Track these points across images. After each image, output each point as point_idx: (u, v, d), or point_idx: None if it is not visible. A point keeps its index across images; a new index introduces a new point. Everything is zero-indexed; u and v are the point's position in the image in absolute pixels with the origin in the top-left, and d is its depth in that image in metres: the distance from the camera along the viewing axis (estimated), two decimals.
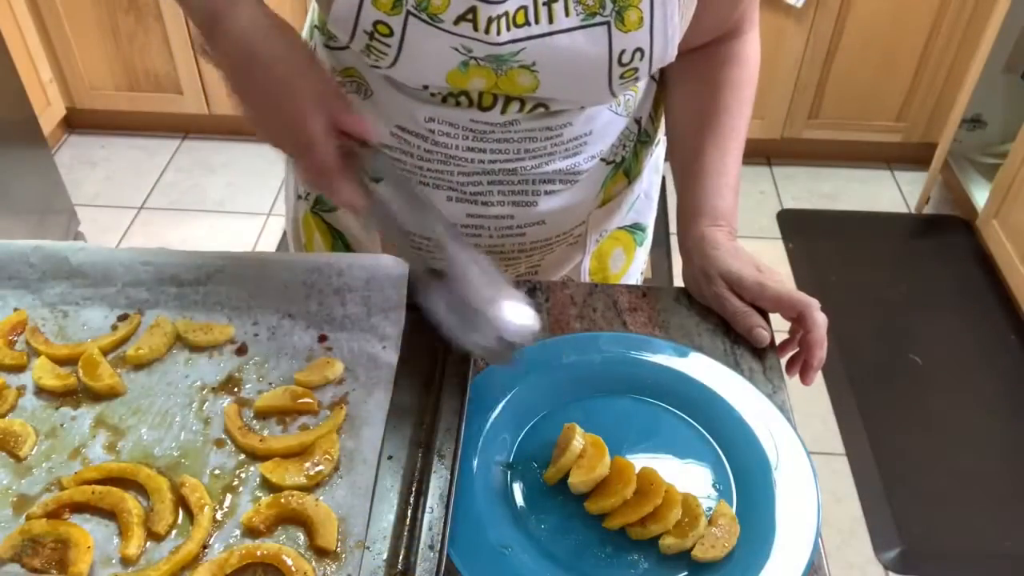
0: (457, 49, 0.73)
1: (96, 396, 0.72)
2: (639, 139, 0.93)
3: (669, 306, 0.85)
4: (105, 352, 0.75)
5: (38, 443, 0.68)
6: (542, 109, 0.81)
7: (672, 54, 0.78)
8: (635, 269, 1.08)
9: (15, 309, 0.78)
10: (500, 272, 0.71)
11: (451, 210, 0.88)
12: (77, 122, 2.94)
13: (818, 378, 2.20)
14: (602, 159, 0.89)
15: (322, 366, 0.73)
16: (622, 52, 0.75)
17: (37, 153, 2.30)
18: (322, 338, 0.76)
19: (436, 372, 0.74)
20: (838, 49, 2.57)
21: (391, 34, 0.73)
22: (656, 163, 1.02)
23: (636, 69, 0.77)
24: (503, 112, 0.80)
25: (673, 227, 2.59)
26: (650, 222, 1.07)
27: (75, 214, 2.46)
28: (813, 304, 0.79)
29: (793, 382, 0.82)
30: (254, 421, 0.70)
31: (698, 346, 0.80)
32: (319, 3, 0.77)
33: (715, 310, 0.83)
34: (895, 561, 1.80)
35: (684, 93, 0.92)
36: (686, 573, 0.63)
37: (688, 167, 0.89)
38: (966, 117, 2.54)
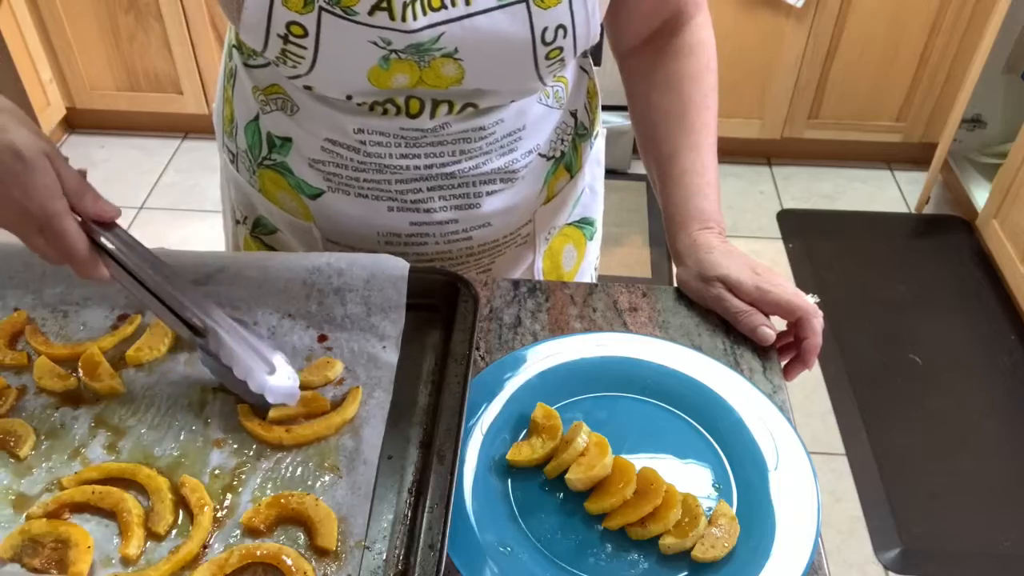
0: (375, 43, 0.71)
1: (96, 396, 0.72)
2: (576, 132, 0.93)
3: (669, 306, 0.85)
4: (105, 352, 0.75)
5: (38, 443, 0.68)
6: (471, 108, 0.79)
7: (596, 31, 0.77)
8: (588, 265, 1.08)
9: (15, 309, 0.78)
10: (261, 338, 0.72)
11: (393, 221, 0.86)
12: (77, 122, 2.94)
13: (818, 378, 2.21)
14: (540, 154, 0.88)
15: (322, 366, 0.73)
16: (544, 30, 0.73)
17: None
18: (322, 338, 0.76)
19: (436, 372, 0.74)
20: (838, 49, 2.57)
21: (305, 34, 0.71)
22: (597, 156, 1.02)
23: (561, 49, 0.75)
24: (432, 116, 0.79)
25: None
26: (598, 215, 1.07)
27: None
28: (813, 311, 0.79)
29: (794, 382, 0.82)
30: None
31: (698, 346, 0.80)
32: (229, 17, 0.75)
33: (716, 311, 0.83)
34: (895, 561, 1.80)
35: (645, 95, 0.91)
36: (686, 573, 0.63)
37: (665, 171, 0.89)
38: (966, 117, 2.54)
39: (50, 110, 2.72)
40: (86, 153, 2.88)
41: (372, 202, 0.85)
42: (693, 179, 0.87)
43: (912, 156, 2.85)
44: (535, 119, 0.85)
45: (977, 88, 2.41)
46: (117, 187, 2.75)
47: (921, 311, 2.39)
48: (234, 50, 0.87)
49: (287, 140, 0.84)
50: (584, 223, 1.04)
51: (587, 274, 1.08)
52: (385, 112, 0.79)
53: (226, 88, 0.91)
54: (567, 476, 0.67)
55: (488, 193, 0.86)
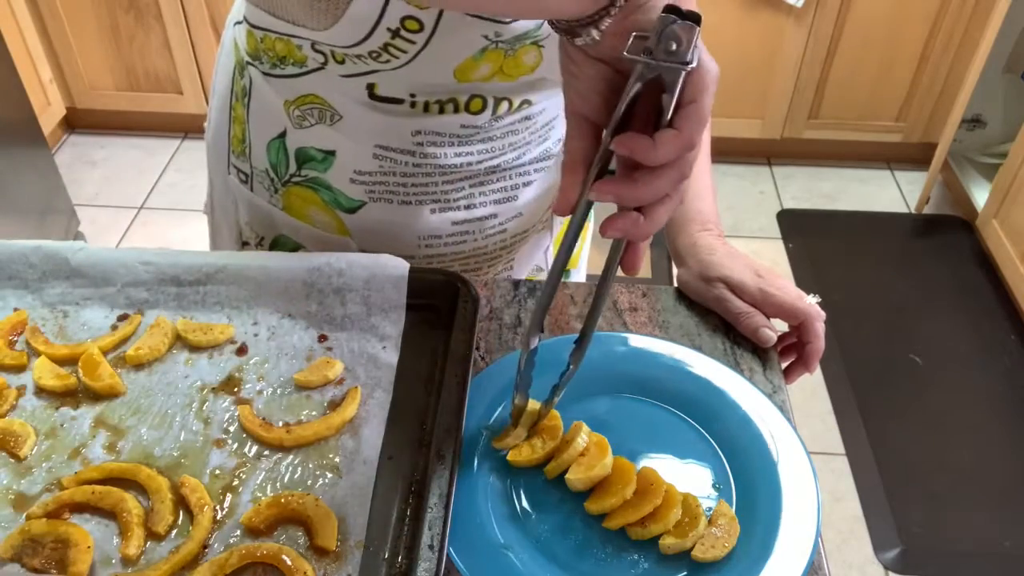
0: (487, 36, 0.70)
1: (96, 396, 0.72)
2: None
3: (669, 306, 0.85)
4: (105, 352, 0.75)
5: (38, 443, 0.68)
6: (527, 104, 0.80)
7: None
8: (586, 245, 1.09)
9: (15, 309, 0.78)
10: None
11: (435, 222, 0.86)
12: (77, 122, 2.94)
13: (818, 378, 2.21)
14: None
15: (322, 366, 0.73)
16: None
17: (37, 153, 2.30)
18: (322, 338, 0.76)
19: (436, 372, 0.74)
20: (838, 49, 2.57)
21: (420, 29, 0.69)
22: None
23: None
24: (493, 113, 0.79)
25: None
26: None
27: (75, 214, 2.46)
28: (816, 315, 0.79)
29: (794, 382, 0.82)
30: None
31: (698, 346, 0.80)
32: (318, 12, 0.70)
33: (717, 312, 0.83)
34: (895, 561, 1.80)
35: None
36: (686, 573, 0.63)
37: None
38: (966, 117, 2.54)
39: (50, 110, 2.72)
40: (86, 153, 2.88)
41: (415, 207, 0.85)
42: (690, 182, 0.87)
43: (912, 156, 2.85)
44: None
45: (977, 88, 2.41)
46: (117, 187, 2.75)
47: (921, 311, 2.39)
48: (249, 66, 0.84)
49: (330, 153, 0.83)
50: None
51: (585, 256, 1.09)
52: (442, 111, 0.78)
53: (234, 107, 0.88)
54: (567, 476, 0.67)
55: (524, 184, 0.87)
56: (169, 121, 2.89)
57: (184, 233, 2.56)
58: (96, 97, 2.80)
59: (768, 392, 0.76)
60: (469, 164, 0.83)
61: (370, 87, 0.77)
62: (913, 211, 2.73)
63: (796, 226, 2.65)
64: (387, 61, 0.72)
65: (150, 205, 2.69)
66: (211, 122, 0.93)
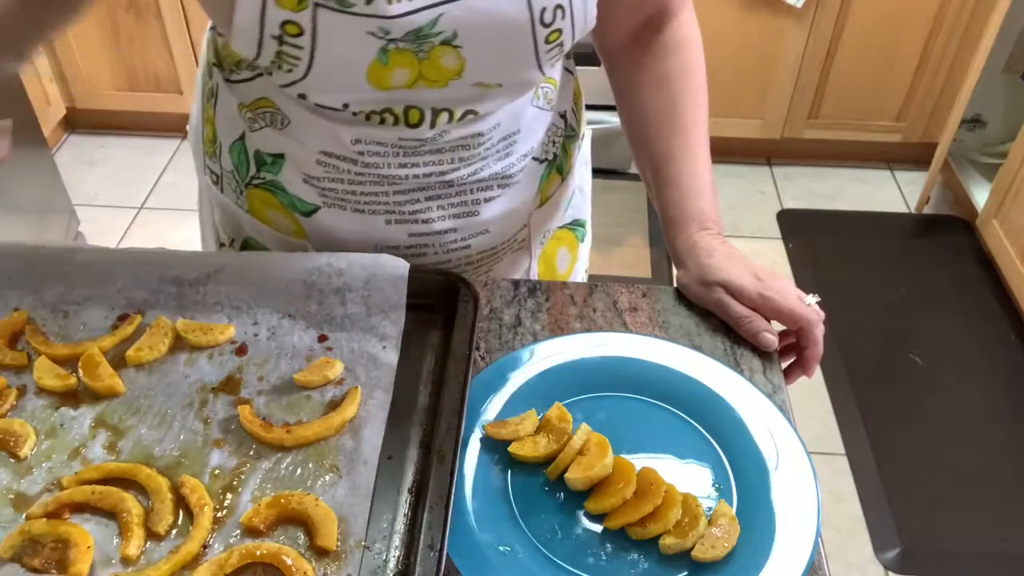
0: (374, 33, 0.69)
1: (96, 396, 0.72)
2: (566, 134, 0.92)
3: (669, 306, 0.85)
4: (105, 352, 0.75)
5: (38, 443, 0.68)
6: (471, 115, 0.78)
7: (592, 14, 0.76)
8: (580, 266, 1.08)
9: (15, 309, 0.78)
10: None
11: (391, 234, 0.85)
12: (77, 122, 2.94)
13: (818, 378, 2.21)
14: (534, 158, 0.88)
15: (322, 366, 0.73)
16: (543, 10, 0.71)
17: (37, 153, 2.30)
18: (322, 338, 0.76)
19: (436, 372, 0.74)
20: (838, 49, 2.57)
21: (301, 33, 0.68)
22: (584, 156, 1.02)
23: (560, 32, 0.74)
24: (432, 126, 0.77)
25: None
26: (588, 217, 1.07)
27: (75, 214, 2.46)
28: (815, 320, 0.79)
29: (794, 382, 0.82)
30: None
31: (698, 346, 0.80)
32: (218, 23, 0.72)
33: (717, 315, 0.83)
34: (895, 561, 1.80)
35: (634, 94, 0.90)
36: (686, 573, 0.63)
37: (660, 173, 0.88)
38: (966, 117, 2.54)
39: (50, 110, 2.72)
40: (86, 153, 2.88)
41: (369, 216, 0.84)
42: (690, 180, 0.86)
43: (912, 156, 2.85)
44: (529, 121, 0.85)
45: (977, 88, 2.41)
46: (117, 187, 2.75)
47: (921, 311, 2.39)
48: (214, 68, 0.85)
49: (279, 156, 0.83)
50: (576, 225, 1.04)
51: (579, 276, 1.08)
52: (383, 122, 0.77)
53: (206, 108, 0.89)
54: (567, 476, 0.67)
55: (486, 200, 0.86)
56: (169, 121, 2.89)
57: (184, 233, 2.56)
58: (96, 97, 2.80)
59: (768, 392, 0.76)
60: (417, 176, 0.81)
61: (302, 96, 0.76)
62: (913, 211, 2.73)
63: (796, 226, 2.65)
64: (290, 71, 0.72)
65: (150, 205, 2.69)
66: (191, 123, 0.94)
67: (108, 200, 2.70)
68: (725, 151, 2.84)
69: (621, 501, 0.65)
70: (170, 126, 2.93)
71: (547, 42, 0.74)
